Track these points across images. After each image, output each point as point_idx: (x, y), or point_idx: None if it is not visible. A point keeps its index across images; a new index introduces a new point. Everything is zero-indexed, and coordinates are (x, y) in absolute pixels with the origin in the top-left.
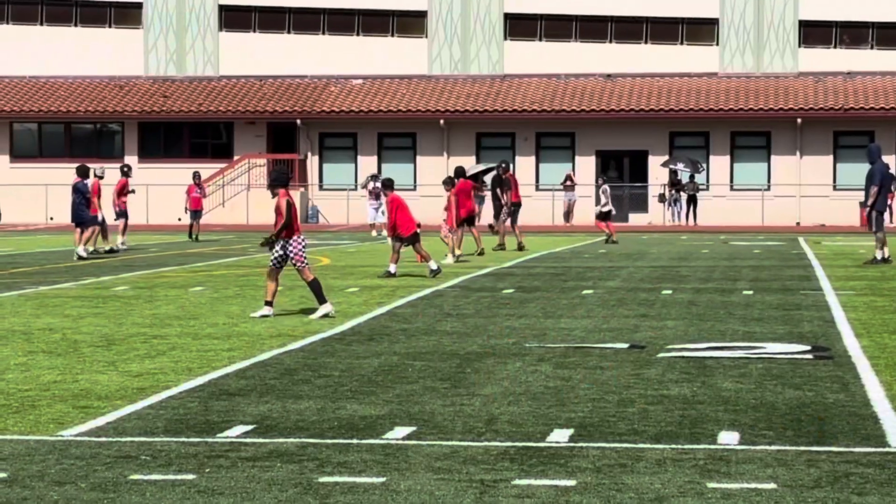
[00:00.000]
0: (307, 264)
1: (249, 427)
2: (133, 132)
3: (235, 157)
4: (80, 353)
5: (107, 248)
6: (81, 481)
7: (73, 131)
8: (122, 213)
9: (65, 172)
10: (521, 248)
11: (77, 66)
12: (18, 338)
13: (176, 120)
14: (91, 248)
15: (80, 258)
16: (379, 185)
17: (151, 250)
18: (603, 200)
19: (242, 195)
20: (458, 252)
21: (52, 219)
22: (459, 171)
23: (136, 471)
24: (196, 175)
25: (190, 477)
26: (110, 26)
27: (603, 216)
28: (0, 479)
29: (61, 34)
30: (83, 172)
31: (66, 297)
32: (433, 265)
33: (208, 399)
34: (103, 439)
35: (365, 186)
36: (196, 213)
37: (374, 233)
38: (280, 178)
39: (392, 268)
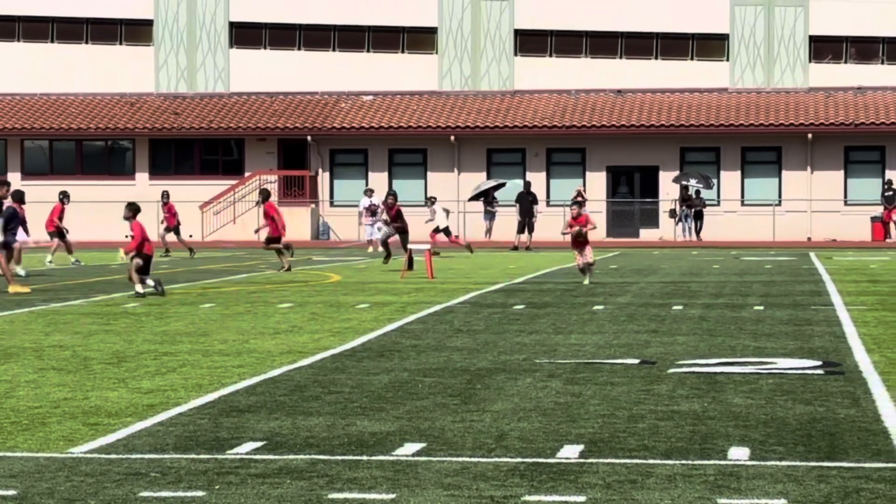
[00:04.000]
0: None
1: (259, 444)
2: (144, 149)
3: (246, 174)
4: (90, 370)
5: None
6: (91, 498)
7: (85, 148)
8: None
9: (77, 189)
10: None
11: (88, 84)
12: (29, 355)
13: (187, 137)
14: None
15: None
16: (375, 201)
17: (161, 267)
18: (439, 217)
19: (253, 212)
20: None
21: None
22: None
23: (147, 488)
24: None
25: (200, 494)
26: (121, 43)
27: (446, 231)
28: (10, 496)
29: (72, 52)
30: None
31: (76, 314)
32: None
33: (218, 416)
34: (113, 456)
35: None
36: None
37: (370, 249)
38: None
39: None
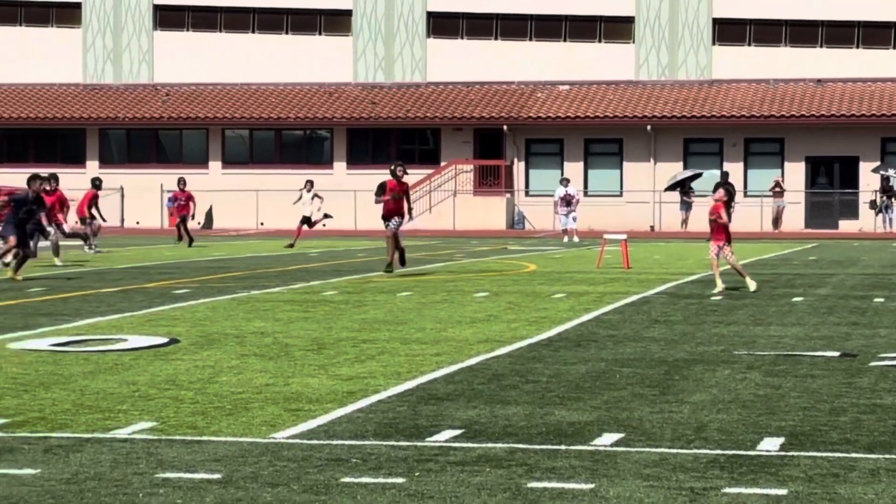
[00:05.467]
0: None
1: (458, 432)
2: (342, 138)
3: (442, 163)
4: (291, 357)
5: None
6: (294, 483)
7: (284, 138)
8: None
9: (275, 178)
10: None
11: (287, 74)
12: (231, 341)
13: (384, 126)
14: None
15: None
16: (571, 191)
17: (359, 256)
18: (318, 205)
19: (449, 201)
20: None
21: (262, 224)
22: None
23: (347, 474)
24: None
25: (400, 481)
26: (320, 34)
27: (309, 221)
28: (215, 479)
29: (272, 42)
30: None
31: (276, 302)
32: None
33: (417, 403)
34: (314, 442)
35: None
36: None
37: (565, 238)
38: None
39: None
